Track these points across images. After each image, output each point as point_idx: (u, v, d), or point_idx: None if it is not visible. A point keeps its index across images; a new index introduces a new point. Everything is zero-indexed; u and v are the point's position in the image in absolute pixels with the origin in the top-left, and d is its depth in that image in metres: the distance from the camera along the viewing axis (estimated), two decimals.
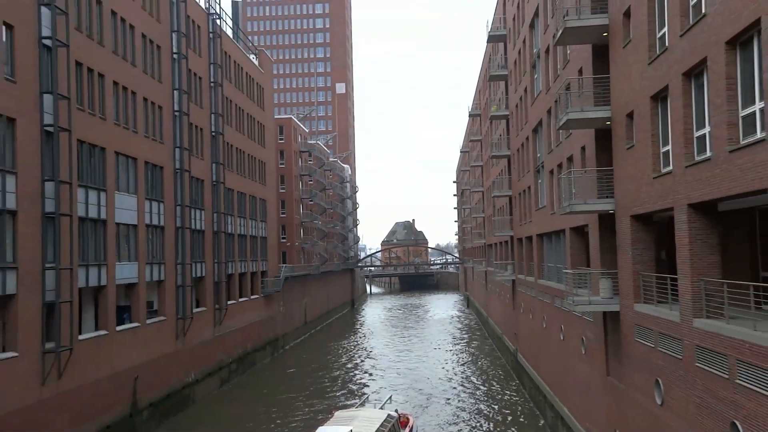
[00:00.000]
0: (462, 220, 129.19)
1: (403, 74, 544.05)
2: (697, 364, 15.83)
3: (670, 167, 17.61)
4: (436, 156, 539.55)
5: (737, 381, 13.81)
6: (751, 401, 13.25)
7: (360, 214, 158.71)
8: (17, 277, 26.27)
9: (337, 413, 31.56)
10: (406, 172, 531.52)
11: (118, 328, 34.60)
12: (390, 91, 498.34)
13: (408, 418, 33.75)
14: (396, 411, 33.22)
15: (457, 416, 39.38)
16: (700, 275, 16.20)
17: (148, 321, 38.02)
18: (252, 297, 59.13)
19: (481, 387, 47.96)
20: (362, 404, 37.90)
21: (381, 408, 34.33)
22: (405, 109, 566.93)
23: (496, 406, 41.74)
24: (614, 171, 22.72)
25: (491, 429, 36.76)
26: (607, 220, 23.93)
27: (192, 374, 43.40)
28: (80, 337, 30.70)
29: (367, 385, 49.67)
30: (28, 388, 26.69)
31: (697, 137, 16.33)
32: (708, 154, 15.34)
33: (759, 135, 13.08)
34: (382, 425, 28.36)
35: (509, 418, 38.78)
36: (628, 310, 21.23)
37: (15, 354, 25.97)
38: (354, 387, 49.31)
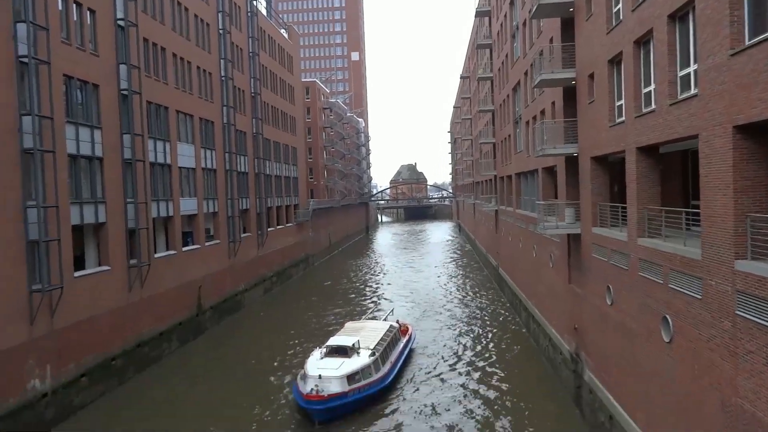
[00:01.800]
0: (455, 163, 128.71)
1: (410, 44, 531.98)
2: (639, 273, 16.30)
3: (623, 118, 17.70)
4: (434, 111, 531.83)
5: (669, 285, 14.32)
6: (678, 300, 13.81)
7: (372, 158, 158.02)
8: (106, 209, 26.94)
9: (348, 324, 31.15)
10: (411, 123, 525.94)
11: (184, 248, 35.47)
12: (399, 55, 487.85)
13: (407, 327, 32.91)
14: (397, 321, 32.56)
15: (449, 321, 39.65)
16: (644, 204, 16.48)
17: (207, 244, 38.87)
18: (287, 225, 59.92)
19: (470, 294, 49.03)
20: (369, 316, 36.65)
21: (384, 320, 33.64)
22: (412, 71, 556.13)
23: (481, 310, 42.80)
24: (578, 121, 22.72)
25: (478, 328, 37.74)
26: (571, 162, 24.08)
27: (242, 285, 44.56)
28: (156, 256, 31.59)
29: (377, 294, 50.83)
30: (119, 294, 27.75)
31: (644, 93, 16.35)
32: (653, 106, 15.44)
33: (693, 91, 13.20)
34: (385, 334, 28.06)
35: (492, 318, 39.84)
36: (587, 233, 21.60)
37: (108, 268, 26.93)
38: (366, 295, 50.47)
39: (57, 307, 22.85)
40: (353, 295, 50.11)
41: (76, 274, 24.58)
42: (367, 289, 53.61)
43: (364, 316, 36.63)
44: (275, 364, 30.20)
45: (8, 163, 20.75)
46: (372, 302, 46.47)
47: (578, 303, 23.17)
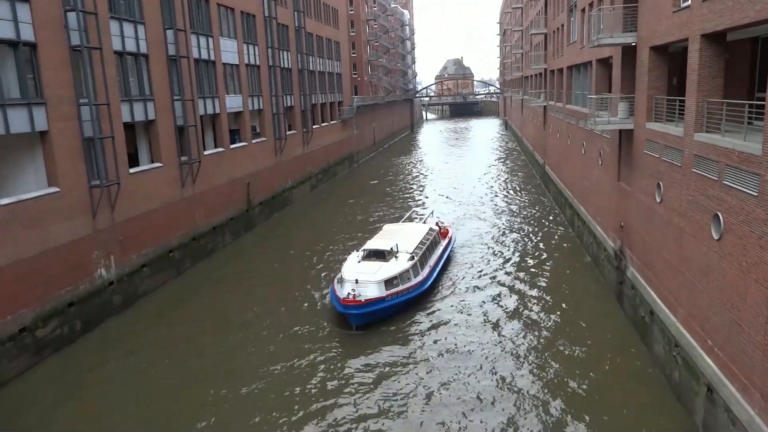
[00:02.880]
0: (503, 57, 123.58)
1: None
2: (693, 170, 15.81)
3: (688, 2, 16.42)
4: (483, 1, 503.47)
5: (724, 182, 13.88)
6: (732, 197, 13.42)
7: (417, 53, 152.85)
8: (155, 106, 27.35)
9: (386, 226, 30.25)
10: (457, 15, 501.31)
11: (232, 146, 36.04)
12: None
13: (447, 230, 31.63)
14: (437, 223, 31.58)
15: (492, 220, 39.30)
16: (705, 96, 15.66)
17: (253, 141, 39.33)
18: (331, 122, 59.77)
19: (514, 193, 48.80)
20: (408, 218, 35.16)
21: (424, 222, 32.47)
22: None
23: (525, 208, 42.71)
24: (638, 7, 21.24)
25: (521, 227, 37.83)
26: (629, 52, 22.78)
27: (289, 181, 45.48)
28: (205, 153, 32.28)
29: (420, 193, 51.05)
30: (173, 189, 28.82)
31: None
32: None
33: None
34: (425, 237, 27.10)
35: (536, 217, 39.81)
36: (641, 128, 20.85)
37: (161, 164, 27.80)
38: (409, 193, 50.80)
39: (116, 201, 23.99)
40: (396, 194, 50.59)
41: (131, 170, 25.50)
42: (410, 187, 53.92)
43: (403, 218, 35.41)
44: (317, 260, 31.31)
45: (59, 61, 21.04)
46: (414, 202, 46.82)
47: (626, 200, 22.84)
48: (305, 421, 16.26)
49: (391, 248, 24.65)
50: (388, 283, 22.49)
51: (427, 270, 25.34)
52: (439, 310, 23.89)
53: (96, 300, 22.76)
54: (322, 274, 28.67)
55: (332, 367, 19.37)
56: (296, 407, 16.94)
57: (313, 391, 17.87)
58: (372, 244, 25.64)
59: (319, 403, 17.10)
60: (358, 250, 25.88)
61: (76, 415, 16.90)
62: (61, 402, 17.51)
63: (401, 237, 26.52)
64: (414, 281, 23.76)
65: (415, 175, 61.17)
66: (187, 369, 19.36)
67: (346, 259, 26.08)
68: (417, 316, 23.20)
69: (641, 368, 18.63)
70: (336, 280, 23.78)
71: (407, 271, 23.58)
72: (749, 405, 12.48)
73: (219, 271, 29.37)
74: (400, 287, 22.86)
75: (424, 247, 26.10)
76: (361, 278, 22.17)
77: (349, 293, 21.48)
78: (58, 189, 20.97)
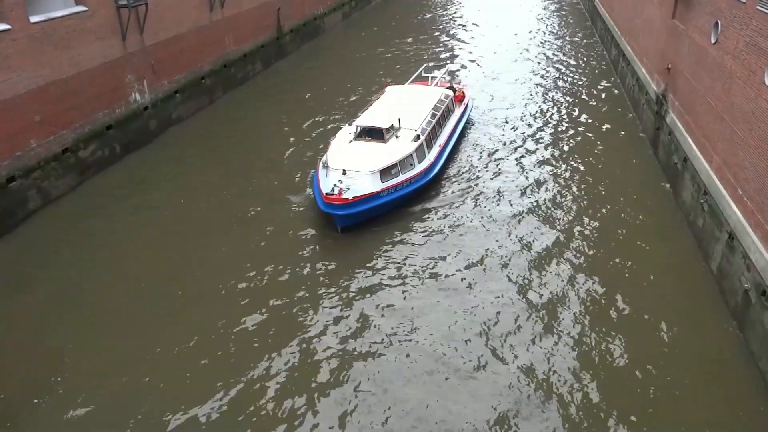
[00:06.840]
0: None
1: None
2: (757, 8, 14.47)
3: None
4: None
5: None
6: None
7: None
8: None
9: (389, 89, 24.61)
10: None
11: None
12: None
13: (464, 93, 25.97)
14: (451, 86, 25.85)
15: (524, 67, 34.99)
16: None
17: None
18: None
19: (555, 28, 45.78)
20: (417, 77, 27.50)
21: (436, 84, 25.77)
22: None
23: (566, 46, 40.30)
24: None
25: (557, 67, 36.01)
26: None
27: (321, 8, 43.28)
28: None
29: (450, 32, 47.90)
30: (201, 13, 27.76)
31: None
32: None
33: None
34: (435, 107, 22.09)
35: (577, 57, 37.71)
36: None
37: None
38: (439, 32, 47.75)
39: (144, 23, 23.34)
40: (426, 29, 47.66)
41: None
42: (442, 24, 50.47)
43: (411, 78, 27.68)
44: (344, 100, 30.69)
45: None
46: (441, 44, 43.02)
47: (677, 40, 21.36)
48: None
49: (392, 125, 19.73)
50: (385, 173, 17.85)
51: (435, 151, 20.42)
52: (446, 201, 19.49)
53: (133, 124, 23.21)
54: (344, 113, 27.90)
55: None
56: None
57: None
58: (368, 119, 20.37)
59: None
60: (350, 124, 20.75)
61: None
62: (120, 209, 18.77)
63: (406, 106, 21.58)
64: (418, 169, 18.92)
65: (451, 8, 57.37)
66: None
67: (334, 136, 20.86)
68: (417, 212, 18.80)
69: (666, 213, 18.82)
70: (321, 163, 18.99)
71: (410, 156, 18.75)
72: None
73: (248, 101, 29.24)
74: (400, 178, 18.18)
75: (434, 121, 21.23)
76: (350, 167, 17.63)
77: (334, 187, 16.94)
78: (86, 8, 20.40)
